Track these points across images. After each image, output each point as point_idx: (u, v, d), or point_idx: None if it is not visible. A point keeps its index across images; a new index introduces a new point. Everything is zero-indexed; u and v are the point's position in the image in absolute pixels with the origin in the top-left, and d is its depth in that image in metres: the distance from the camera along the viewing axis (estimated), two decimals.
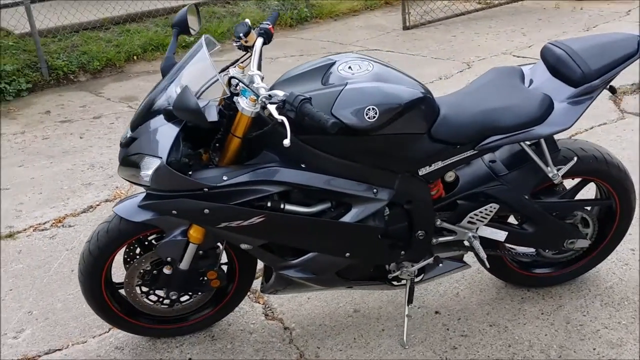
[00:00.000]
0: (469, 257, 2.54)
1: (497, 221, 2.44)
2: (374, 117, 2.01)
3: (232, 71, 2.16)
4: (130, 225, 2.21)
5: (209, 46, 2.16)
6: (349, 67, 2.15)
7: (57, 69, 6.36)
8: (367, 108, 2.01)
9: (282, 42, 6.93)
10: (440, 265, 2.49)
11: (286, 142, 1.81)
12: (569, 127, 2.23)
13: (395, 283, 2.47)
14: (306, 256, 2.23)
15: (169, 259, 2.26)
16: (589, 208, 2.60)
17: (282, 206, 2.10)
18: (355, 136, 2.06)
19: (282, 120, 1.85)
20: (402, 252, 2.34)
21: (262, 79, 2.14)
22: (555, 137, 2.35)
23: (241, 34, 2.20)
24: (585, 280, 2.76)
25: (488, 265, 2.44)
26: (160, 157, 1.95)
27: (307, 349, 2.47)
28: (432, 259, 2.41)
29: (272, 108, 1.89)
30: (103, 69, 6.59)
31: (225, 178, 1.99)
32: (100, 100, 5.72)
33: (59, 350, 2.54)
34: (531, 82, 2.38)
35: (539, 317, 2.57)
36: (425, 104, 2.15)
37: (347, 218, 2.15)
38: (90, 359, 2.48)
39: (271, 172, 2.04)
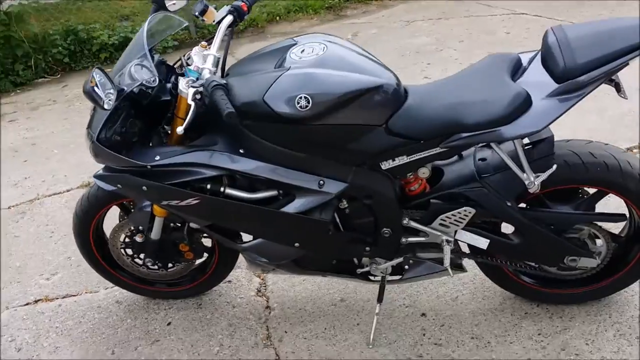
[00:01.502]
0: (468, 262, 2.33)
1: (480, 227, 2.19)
2: (307, 106, 1.90)
3: (194, 50, 2.16)
4: (105, 193, 2.35)
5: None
6: (302, 51, 2.04)
7: (203, 28, 6.77)
8: (299, 97, 1.90)
9: (426, 4, 6.66)
10: (421, 267, 2.32)
11: (179, 129, 1.80)
12: (538, 130, 1.91)
13: (371, 278, 2.35)
14: (253, 242, 2.20)
15: (140, 227, 2.37)
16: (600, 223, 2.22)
17: (222, 190, 2.08)
18: (293, 125, 1.96)
19: (191, 105, 1.85)
20: (367, 248, 2.21)
21: (219, 60, 2.12)
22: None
23: (196, 13, 2.18)
24: (611, 303, 2.38)
25: (452, 274, 2.21)
26: (93, 134, 2.03)
27: (276, 331, 2.46)
28: (401, 259, 2.25)
29: (190, 92, 1.89)
30: (245, 29, 6.87)
31: (157, 158, 2.02)
32: (229, 61, 5.96)
33: (73, 296, 2.81)
34: (523, 73, 2.06)
35: (533, 338, 2.28)
36: (379, 94, 1.97)
37: (289, 208, 2.07)
38: (92, 307, 2.71)
39: (205, 156, 2.03)
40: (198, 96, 1.90)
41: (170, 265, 2.50)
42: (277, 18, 7.02)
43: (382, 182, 2.08)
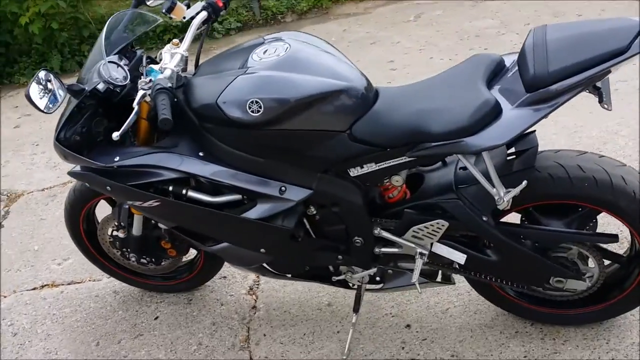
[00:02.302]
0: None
1: (458, 240, 2.04)
2: (258, 111, 1.81)
3: (165, 47, 2.11)
4: (89, 188, 2.36)
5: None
6: (265, 51, 1.95)
7: (268, 9, 6.74)
8: (250, 101, 1.81)
9: (482, 6, 6.29)
10: (403, 277, 2.20)
11: (115, 135, 1.77)
12: (501, 144, 1.73)
13: (351, 285, 2.26)
14: (219, 245, 2.15)
15: (122, 223, 2.38)
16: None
17: (184, 192, 2.04)
18: (247, 130, 1.88)
19: (135, 107, 1.81)
20: (340, 257, 2.11)
21: (186, 59, 2.07)
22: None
23: (164, 10, 2.12)
24: (613, 327, 2.16)
25: (420, 291, 2.07)
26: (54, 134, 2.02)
27: (255, 334, 2.41)
28: (375, 269, 2.14)
29: (139, 94, 1.85)
30: (309, 10, 6.78)
31: (117, 159, 1.99)
32: None
33: (77, 283, 2.88)
34: (501, 78, 1.87)
35: None
36: (341, 99, 1.85)
37: (251, 214, 2.00)
38: (90, 296, 2.77)
39: (163, 158, 1.98)
40: (148, 99, 1.87)
41: (156, 260, 2.50)
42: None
43: (349, 190, 1.97)
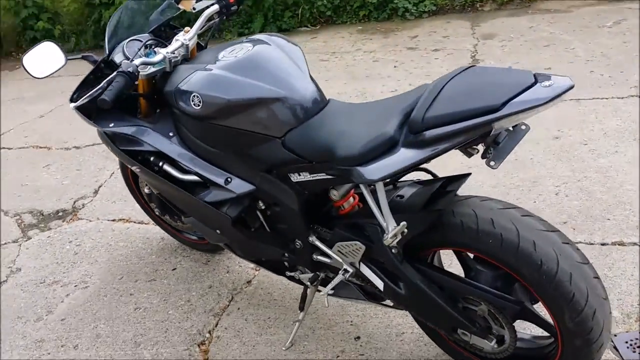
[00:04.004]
0: None
1: (379, 265, 2.01)
2: (199, 105, 1.99)
3: (180, 33, 2.34)
4: None
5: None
6: (232, 51, 2.10)
7: None
8: (193, 95, 2.00)
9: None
10: (348, 288, 2.22)
11: (71, 105, 2.06)
12: (371, 180, 1.67)
13: (307, 284, 2.34)
14: (189, 218, 2.37)
15: None
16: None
17: (160, 164, 2.28)
18: (195, 120, 2.07)
19: (103, 83, 2.09)
20: (285, 254, 2.22)
21: (187, 47, 2.28)
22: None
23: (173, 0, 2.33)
24: None
25: (327, 304, 2.08)
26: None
27: (234, 305, 2.61)
28: (311, 274, 2.19)
29: (114, 73, 2.12)
30: (512, 1, 6.48)
31: (111, 125, 2.29)
32: (463, 34, 5.76)
33: (145, 224, 3.32)
34: None
35: None
36: (274, 107, 1.93)
37: (202, 196, 2.20)
38: (144, 237, 3.20)
39: (141, 131, 2.25)
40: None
41: (173, 218, 2.80)
42: None
43: (287, 194, 2.05)
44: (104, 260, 3.06)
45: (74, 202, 3.69)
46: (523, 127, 1.67)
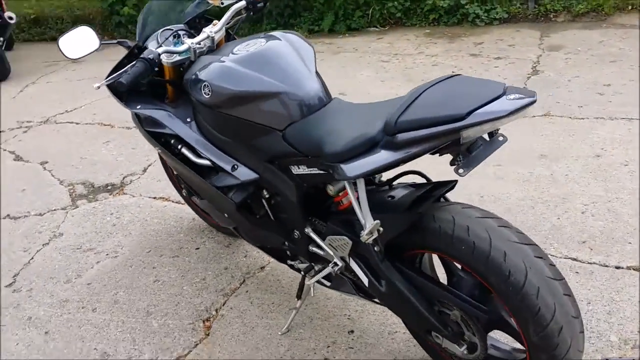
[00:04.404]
0: None
1: (366, 261, 2.07)
2: (208, 94, 2.12)
3: (209, 26, 2.47)
4: None
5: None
6: (247, 45, 2.22)
7: (542, 5, 6.45)
8: (205, 83, 2.13)
9: None
10: (343, 281, 2.30)
11: (94, 85, 2.22)
12: (350, 178, 1.74)
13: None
14: (202, 200, 2.51)
15: None
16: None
17: (179, 147, 2.43)
18: (207, 108, 2.20)
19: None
20: (285, 243, 2.32)
21: (212, 39, 2.41)
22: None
23: None
24: None
25: (312, 294, 2.17)
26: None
27: (243, 287, 2.73)
28: (306, 265, 2.28)
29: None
30: (586, 14, 6.30)
31: (138, 107, 2.45)
32: (530, 43, 5.66)
33: (181, 203, 3.50)
34: None
35: None
36: (276, 100, 2.04)
37: (212, 180, 2.33)
38: (177, 216, 3.38)
39: (162, 115, 2.40)
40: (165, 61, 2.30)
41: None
42: (629, 7, 6.19)
43: (287, 185, 2.14)
44: (137, 234, 3.25)
45: (123, 178, 3.92)
46: (500, 138, 1.70)
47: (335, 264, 2.10)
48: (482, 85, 1.63)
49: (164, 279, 2.86)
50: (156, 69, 2.23)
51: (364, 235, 1.83)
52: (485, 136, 1.72)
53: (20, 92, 6.01)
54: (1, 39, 6.47)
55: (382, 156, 1.70)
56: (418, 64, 5.48)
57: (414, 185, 2.01)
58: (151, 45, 2.47)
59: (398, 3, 6.85)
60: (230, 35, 2.62)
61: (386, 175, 2.06)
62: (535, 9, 6.47)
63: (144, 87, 2.52)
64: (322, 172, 1.95)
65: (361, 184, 1.83)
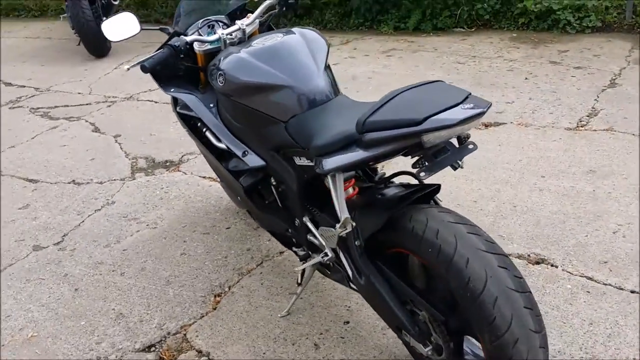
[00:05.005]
0: None
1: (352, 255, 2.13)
2: (222, 82, 2.26)
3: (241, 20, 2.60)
4: None
5: None
6: (264, 38, 2.33)
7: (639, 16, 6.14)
8: (219, 73, 2.27)
9: None
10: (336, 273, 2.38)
11: (124, 67, 2.40)
12: (325, 172, 1.82)
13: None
14: (222, 182, 2.65)
15: None
16: None
17: (204, 130, 2.58)
18: (224, 96, 2.33)
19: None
20: (289, 230, 2.42)
21: (243, 31, 2.54)
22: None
23: None
24: None
25: (299, 281, 2.23)
26: None
27: (259, 269, 2.86)
28: (303, 253, 2.37)
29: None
30: None
31: (172, 90, 2.62)
32: (617, 55, 5.40)
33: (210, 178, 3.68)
34: None
35: None
36: (280, 93, 2.14)
37: (227, 164, 2.47)
38: (216, 196, 3.56)
39: (190, 99, 2.55)
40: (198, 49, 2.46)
41: None
42: None
43: (289, 173, 2.24)
44: (179, 209, 3.46)
45: (182, 156, 4.16)
46: (470, 146, 1.72)
47: (326, 254, 2.17)
48: (448, 93, 1.66)
49: (190, 252, 3.04)
50: (182, 55, 2.38)
51: (338, 228, 1.90)
52: (456, 142, 1.74)
53: (114, 69, 6.45)
54: (104, 18, 6.94)
55: (355, 154, 1.77)
56: (493, 67, 5.38)
57: (405, 186, 2.05)
58: (190, 33, 2.63)
59: (488, 5, 6.72)
60: (271, 27, 2.73)
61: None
62: (633, 20, 6.15)
63: (181, 72, 2.69)
64: (313, 164, 2.03)
65: (340, 178, 1.90)
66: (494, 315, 1.67)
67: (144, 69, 2.28)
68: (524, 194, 3.26)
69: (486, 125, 4.17)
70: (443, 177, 3.23)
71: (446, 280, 1.76)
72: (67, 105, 5.38)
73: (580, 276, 2.60)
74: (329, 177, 1.96)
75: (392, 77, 5.32)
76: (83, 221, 3.43)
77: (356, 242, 1.99)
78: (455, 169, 1.88)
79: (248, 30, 2.53)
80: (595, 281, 2.56)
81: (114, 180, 3.90)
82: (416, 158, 1.78)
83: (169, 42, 2.35)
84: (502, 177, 3.46)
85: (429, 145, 1.65)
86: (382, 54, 6.10)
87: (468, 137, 1.73)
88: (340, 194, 1.90)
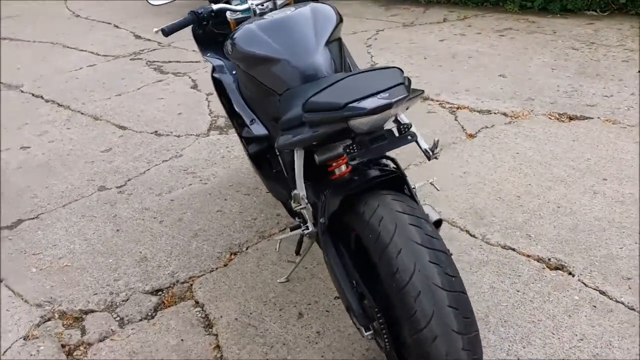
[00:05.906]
0: None
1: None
2: (231, 51, 2.36)
3: None
4: None
5: None
6: (277, 12, 2.39)
7: None
8: (230, 42, 2.37)
9: None
10: None
11: (154, 30, 2.56)
12: (276, 147, 1.87)
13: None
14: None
15: None
16: None
17: (227, 94, 2.69)
18: (235, 64, 2.43)
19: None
20: (288, 199, 2.50)
21: (274, 2, 2.61)
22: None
23: None
24: None
25: (277, 249, 2.29)
26: None
27: (259, 244, 2.97)
28: (295, 223, 2.43)
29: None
30: None
31: (208, 55, 2.77)
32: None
33: None
34: None
35: None
36: (276, 66, 2.20)
37: (240, 131, 2.58)
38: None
39: (218, 64, 2.67)
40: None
41: None
42: None
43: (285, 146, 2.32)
44: (233, 168, 3.64)
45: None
46: (409, 137, 1.69)
47: (307, 228, 2.23)
48: (383, 80, 1.63)
49: (225, 210, 3.21)
50: (204, 22, 2.51)
51: (293, 203, 1.95)
52: (396, 132, 1.72)
53: None
54: None
55: (300, 133, 1.80)
56: (608, 56, 4.97)
57: (380, 170, 2.05)
58: (223, 1, 2.73)
59: None
60: None
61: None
62: None
63: (221, 38, 2.83)
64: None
65: (300, 154, 1.94)
66: (415, 309, 1.65)
67: (164, 33, 2.44)
68: (575, 196, 3.06)
69: (570, 118, 3.92)
70: (495, 169, 3.14)
71: (377, 268, 1.76)
72: (179, 61, 5.74)
73: (593, 289, 2.44)
74: (295, 151, 2.00)
75: (493, 58, 5.11)
76: (149, 169, 3.71)
77: (321, 220, 2.02)
78: (429, 159, 1.86)
79: (279, 1, 2.59)
80: (608, 296, 2.39)
81: (190, 135, 4.15)
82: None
83: (194, 9, 2.48)
84: (560, 175, 3.26)
85: (358, 132, 1.65)
86: (495, 32, 5.84)
87: (409, 127, 1.70)
88: (298, 170, 1.94)
